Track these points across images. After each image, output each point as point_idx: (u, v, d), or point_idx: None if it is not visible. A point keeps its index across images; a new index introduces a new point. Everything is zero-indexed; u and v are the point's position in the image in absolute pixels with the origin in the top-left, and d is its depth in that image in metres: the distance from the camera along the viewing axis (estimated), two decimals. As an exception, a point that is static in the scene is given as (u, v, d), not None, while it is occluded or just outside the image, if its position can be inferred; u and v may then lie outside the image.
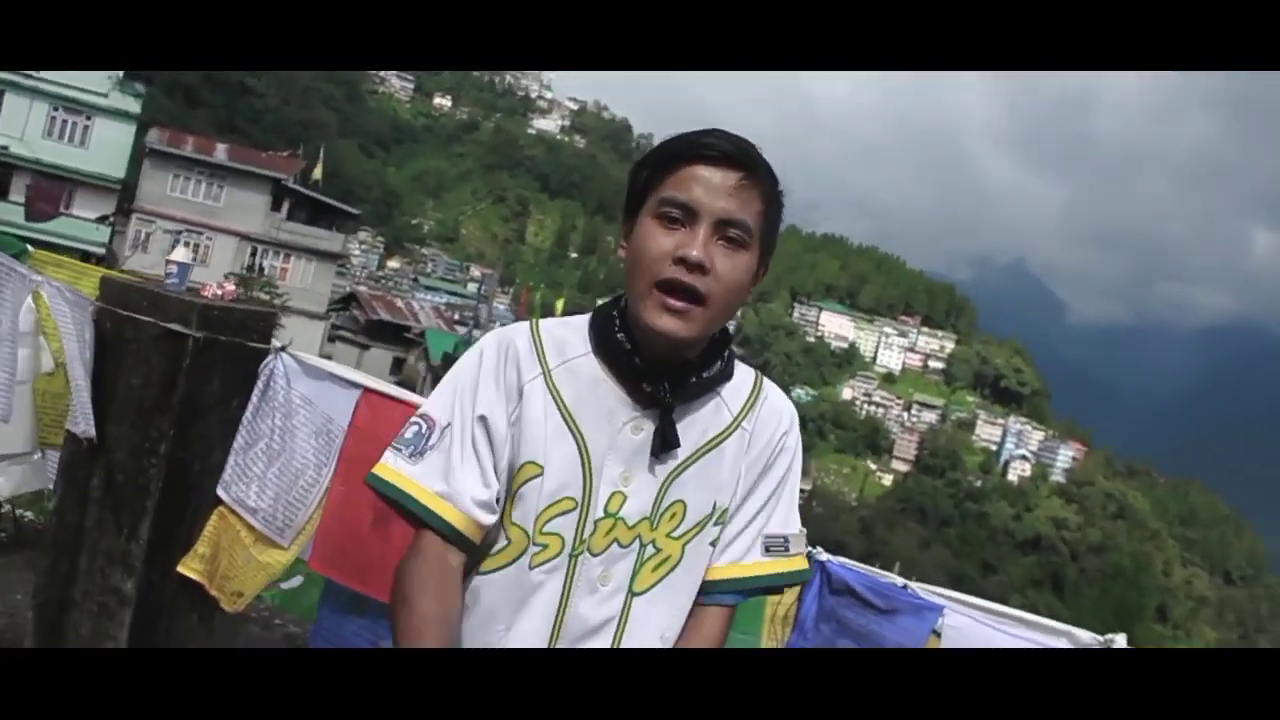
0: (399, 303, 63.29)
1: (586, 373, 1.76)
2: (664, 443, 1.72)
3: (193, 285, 3.59)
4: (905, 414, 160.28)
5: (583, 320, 1.83)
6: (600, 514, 1.72)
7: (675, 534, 1.76)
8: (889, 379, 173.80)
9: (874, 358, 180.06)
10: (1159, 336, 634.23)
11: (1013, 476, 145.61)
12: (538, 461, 1.72)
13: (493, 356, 1.76)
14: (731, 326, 1.86)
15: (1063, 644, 2.67)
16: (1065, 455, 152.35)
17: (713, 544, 1.81)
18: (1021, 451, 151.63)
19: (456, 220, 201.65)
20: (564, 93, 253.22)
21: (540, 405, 1.73)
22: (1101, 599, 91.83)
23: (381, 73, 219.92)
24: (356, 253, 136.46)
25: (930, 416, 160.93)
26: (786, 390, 2.10)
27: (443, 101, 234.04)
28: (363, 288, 78.16)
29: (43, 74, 36.62)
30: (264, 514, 3.43)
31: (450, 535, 1.71)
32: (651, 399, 1.73)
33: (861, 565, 3.00)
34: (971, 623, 2.78)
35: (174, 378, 3.22)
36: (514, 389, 1.74)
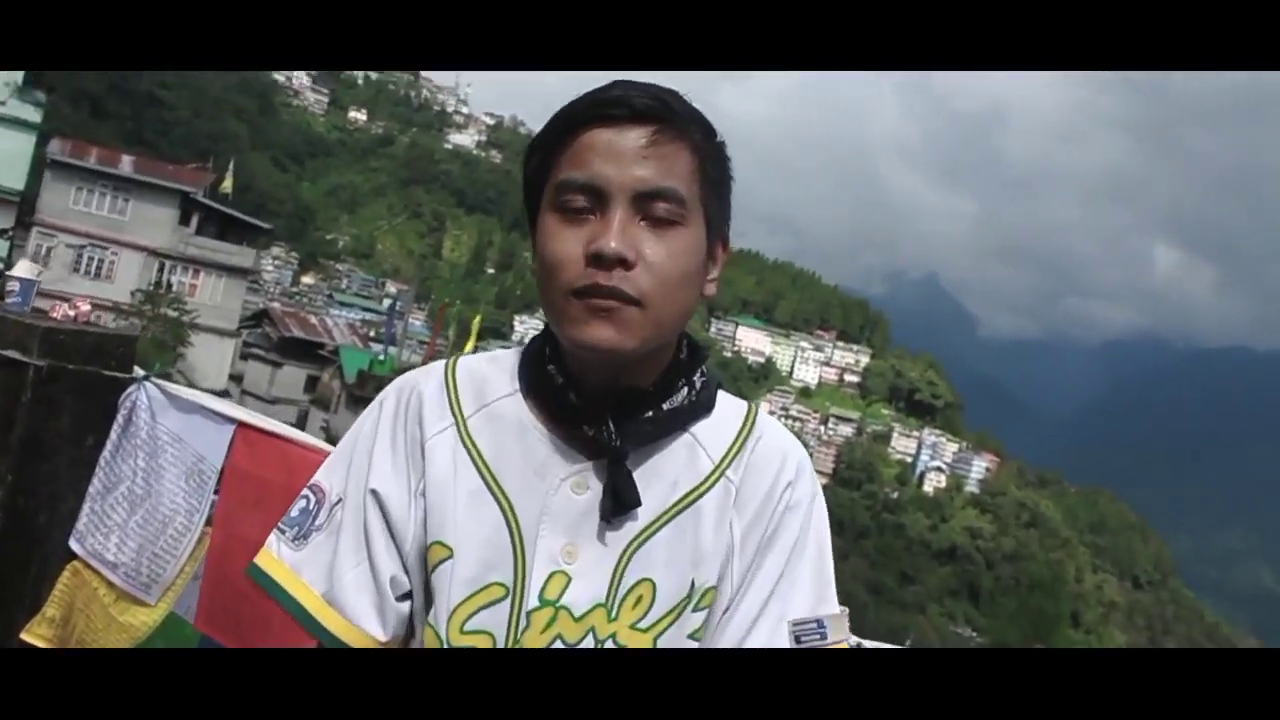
0: (313, 319, 61.98)
1: (511, 417, 1.34)
2: (616, 503, 1.27)
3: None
4: (822, 427, 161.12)
5: (514, 356, 1.41)
6: (534, 603, 1.27)
7: (642, 625, 1.29)
8: (806, 393, 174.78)
9: (790, 372, 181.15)
10: (1066, 350, 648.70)
11: (928, 488, 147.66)
12: (445, 542, 1.30)
13: (390, 410, 1.37)
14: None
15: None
16: (979, 466, 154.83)
17: (693, 636, 1.32)
18: (936, 463, 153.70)
19: (372, 235, 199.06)
20: (480, 107, 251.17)
21: (448, 465, 1.32)
22: (1019, 610, 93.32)
23: (295, 85, 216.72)
24: (269, 268, 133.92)
25: (847, 430, 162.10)
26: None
27: (358, 115, 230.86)
28: (275, 304, 76.54)
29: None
30: (126, 569, 2.97)
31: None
32: (597, 446, 1.29)
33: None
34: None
35: (12, 413, 2.75)
36: (416, 449, 1.34)
